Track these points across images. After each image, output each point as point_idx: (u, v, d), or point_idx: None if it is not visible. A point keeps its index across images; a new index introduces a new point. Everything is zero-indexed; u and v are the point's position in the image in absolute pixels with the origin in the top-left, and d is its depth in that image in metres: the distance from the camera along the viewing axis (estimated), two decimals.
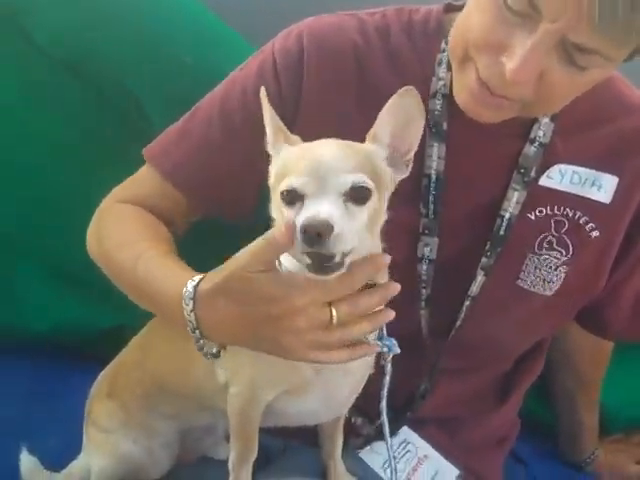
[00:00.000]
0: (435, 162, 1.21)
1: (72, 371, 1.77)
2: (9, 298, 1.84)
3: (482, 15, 1.03)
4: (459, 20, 1.11)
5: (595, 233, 1.24)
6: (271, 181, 1.03)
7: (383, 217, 1.01)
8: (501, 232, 1.22)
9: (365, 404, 1.23)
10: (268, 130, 1.04)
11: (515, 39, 1.00)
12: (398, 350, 1.08)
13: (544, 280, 1.25)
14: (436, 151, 1.21)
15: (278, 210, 0.99)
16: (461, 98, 1.13)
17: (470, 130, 1.16)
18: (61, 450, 1.45)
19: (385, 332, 1.09)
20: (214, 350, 1.08)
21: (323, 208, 0.91)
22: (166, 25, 1.66)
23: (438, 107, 1.20)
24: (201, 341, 1.06)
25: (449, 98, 1.19)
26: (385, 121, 1.01)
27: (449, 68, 1.19)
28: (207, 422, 1.29)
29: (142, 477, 1.30)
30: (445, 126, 1.20)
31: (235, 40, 1.72)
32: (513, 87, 1.02)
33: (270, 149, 1.05)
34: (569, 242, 1.24)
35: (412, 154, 1.04)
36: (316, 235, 0.88)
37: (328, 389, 1.11)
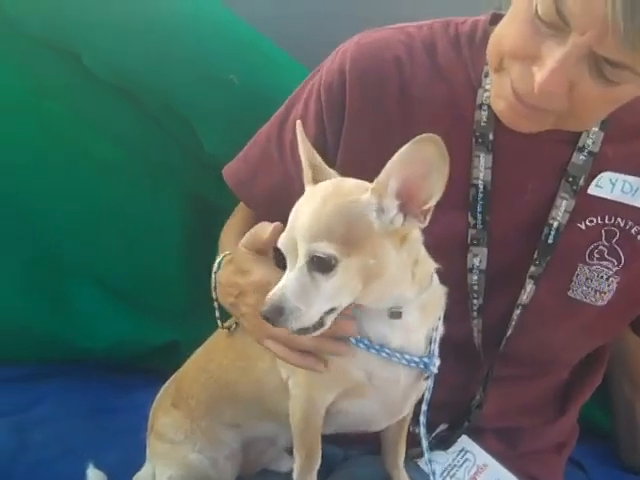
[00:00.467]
0: (482, 172, 1.22)
1: (130, 386, 1.83)
2: (68, 317, 1.89)
3: (516, 25, 1.04)
4: (496, 30, 1.12)
5: None
6: None
7: (395, 260, 0.99)
8: (549, 240, 1.22)
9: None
10: (304, 164, 1.05)
11: (546, 50, 1.01)
12: (434, 370, 1.10)
13: (596, 290, 1.24)
14: (483, 161, 1.21)
15: None
16: (497, 107, 1.14)
17: (516, 139, 1.16)
18: (122, 464, 1.46)
19: (434, 350, 1.11)
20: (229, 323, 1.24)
21: (279, 289, 0.95)
22: (212, 45, 1.70)
23: (484, 117, 1.21)
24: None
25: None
26: (394, 169, 0.95)
27: None
28: (269, 432, 1.29)
29: None
30: (491, 136, 1.21)
31: (280, 58, 1.76)
32: (542, 97, 1.03)
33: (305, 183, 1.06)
34: (620, 252, 1.23)
35: (432, 203, 0.97)
36: (270, 319, 0.95)
37: (382, 393, 1.12)
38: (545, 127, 1.12)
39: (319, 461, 1.17)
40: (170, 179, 1.81)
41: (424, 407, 1.15)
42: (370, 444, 1.29)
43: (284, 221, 1.03)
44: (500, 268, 1.23)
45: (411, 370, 1.11)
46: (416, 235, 1.03)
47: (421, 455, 1.29)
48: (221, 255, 1.27)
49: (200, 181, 1.81)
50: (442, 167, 0.93)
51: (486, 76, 1.22)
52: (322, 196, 0.97)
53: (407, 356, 1.08)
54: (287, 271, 0.97)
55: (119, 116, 1.77)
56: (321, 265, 0.93)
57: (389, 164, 0.95)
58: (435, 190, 0.95)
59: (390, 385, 1.11)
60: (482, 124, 1.21)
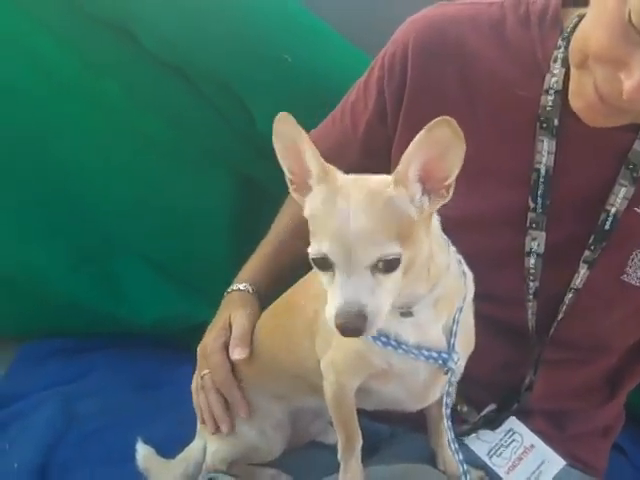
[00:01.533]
0: (545, 157, 1.22)
1: (175, 362, 1.85)
2: (115, 294, 1.94)
3: (605, 28, 1.04)
4: (582, 26, 1.12)
5: None
6: (306, 215, 1.00)
7: (426, 249, 0.99)
8: (606, 227, 1.22)
9: (471, 392, 1.26)
10: (313, 168, 0.98)
11: (635, 57, 1.01)
12: (453, 366, 1.10)
13: None
14: (546, 146, 1.22)
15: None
16: (576, 103, 1.14)
17: (580, 125, 1.17)
18: (168, 439, 1.51)
19: (454, 344, 1.11)
20: None
21: (357, 295, 0.91)
22: (265, 24, 1.72)
23: (550, 103, 1.22)
24: None
25: (561, 94, 1.20)
26: (413, 157, 0.94)
27: (563, 65, 1.20)
28: (315, 405, 1.31)
29: (255, 458, 1.34)
30: (556, 122, 1.21)
31: (332, 37, 1.76)
32: (629, 103, 1.03)
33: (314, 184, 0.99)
34: None
35: (452, 179, 0.98)
36: (353, 329, 0.91)
37: (403, 380, 1.14)
38: (622, 123, 1.14)
39: (360, 440, 1.19)
40: (220, 159, 1.83)
41: (446, 388, 1.16)
42: (416, 421, 1.30)
43: None
44: (555, 252, 1.23)
45: (429, 363, 1.11)
46: (435, 224, 1.03)
47: (467, 434, 1.32)
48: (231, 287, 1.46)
49: (250, 162, 1.82)
50: (458, 145, 0.94)
51: (554, 61, 1.22)
52: (362, 197, 0.93)
53: (425, 352, 1.08)
54: (339, 278, 0.92)
55: (172, 95, 1.78)
56: (386, 266, 0.92)
57: (406, 153, 0.95)
58: (454, 167, 0.95)
59: (409, 375, 1.13)
60: (548, 109, 1.22)
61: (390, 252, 0.91)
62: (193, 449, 1.40)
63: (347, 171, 1.46)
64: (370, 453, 1.37)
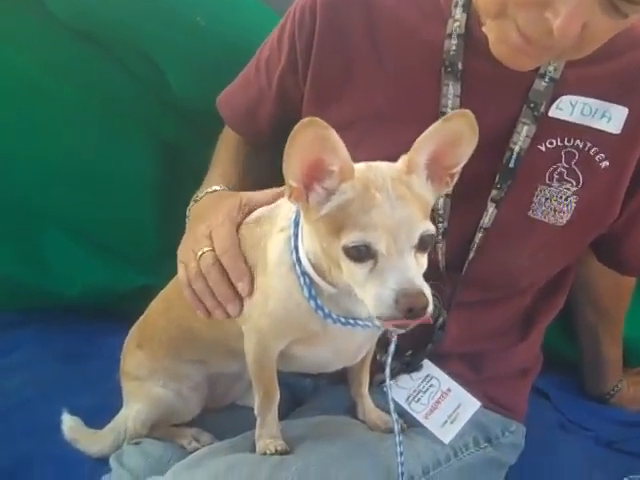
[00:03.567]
0: (450, 100, 1.24)
1: (103, 332, 1.83)
2: (39, 265, 1.89)
3: None
4: None
5: (605, 163, 1.25)
6: (315, 216, 1.00)
7: None
8: (510, 165, 1.24)
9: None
10: (335, 167, 0.98)
11: None
12: (402, 331, 1.09)
13: (555, 210, 1.26)
14: (452, 90, 1.24)
15: (330, 252, 0.99)
16: (500, 50, 1.15)
17: (483, 66, 1.19)
18: (97, 408, 1.51)
19: None
20: None
21: (415, 275, 0.94)
22: None
23: (453, 47, 1.24)
24: None
25: (464, 37, 1.23)
26: (425, 145, 0.99)
27: (464, 10, 1.23)
28: (234, 369, 1.32)
29: (175, 419, 1.35)
30: (460, 65, 1.23)
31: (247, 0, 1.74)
32: (559, 40, 1.04)
33: (332, 185, 0.99)
34: (579, 173, 1.25)
35: (458, 169, 1.03)
36: (422, 308, 0.92)
37: (337, 342, 1.15)
38: (547, 61, 1.16)
39: (277, 397, 1.21)
40: (139, 124, 1.80)
41: (392, 348, 1.18)
42: (339, 374, 1.30)
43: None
44: (463, 192, 1.24)
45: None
46: None
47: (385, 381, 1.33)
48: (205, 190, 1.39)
49: (170, 127, 1.81)
50: (471, 138, 1.00)
51: (455, 6, 1.24)
52: (391, 185, 0.96)
53: (377, 322, 1.08)
54: (387, 263, 0.94)
55: (85, 61, 1.74)
56: (426, 244, 0.97)
57: (420, 139, 0.98)
58: (462, 158, 1.01)
59: (345, 337, 1.14)
60: (451, 53, 1.24)
61: (428, 228, 0.96)
62: (122, 418, 1.40)
63: (264, 124, 1.48)
64: (293, 406, 1.39)
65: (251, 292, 1.14)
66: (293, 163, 0.96)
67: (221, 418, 1.39)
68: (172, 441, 1.33)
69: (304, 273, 1.07)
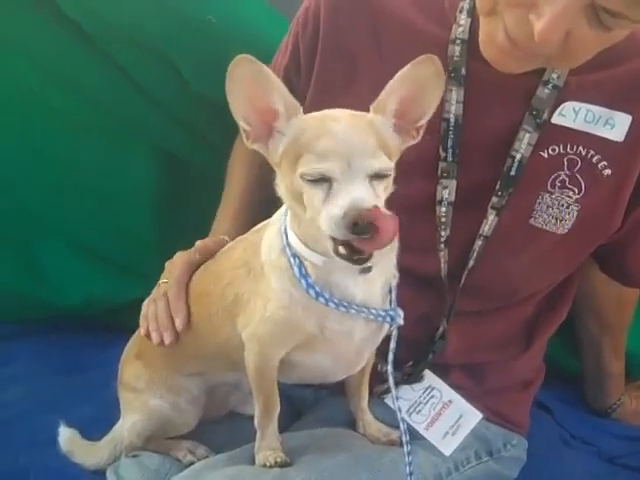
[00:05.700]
0: (454, 106, 1.24)
1: (101, 343, 1.82)
2: (38, 275, 1.89)
3: None
4: None
5: (607, 171, 1.24)
6: (277, 158, 1.03)
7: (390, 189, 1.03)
8: (512, 172, 1.24)
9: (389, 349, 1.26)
10: (280, 106, 1.01)
11: None
12: (401, 322, 1.13)
13: (556, 218, 1.26)
14: (455, 95, 1.24)
15: (293, 189, 1.01)
16: (488, 51, 1.16)
17: (486, 72, 1.19)
18: (95, 419, 1.50)
19: (394, 302, 1.13)
20: None
21: (365, 195, 0.94)
22: None
23: (457, 52, 1.24)
24: None
25: (468, 43, 1.23)
26: (394, 90, 1.01)
27: (469, 15, 1.23)
28: (234, 379, 1.31)
29: (171, 431, 1.33)
30: (464, 71, 1.23)
31: (257, 3, 1.74)
32: (540, 45, 1.04)
33: (281, 125, 1.02)
34: (582, 180, 1.24)
35: (424, 121, 1.05)
36: (368, 224, 0.92)
37: (335, 346, 1.15)
38: (534, 67, 1.16)
39: (278, 407, 1.20)
40: (139, 134, 1.80)
41: (392, 345, 1.17)
42: (340, 385, 1.30)
43: None
44: (465, 199, 1.25)
45: (368, 323, 1.13)
46: None
47: (387, 392, 1.32)
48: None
49: (172, 138, 1.80)
50: (437, 84, 1.02)
51: (460, 12, 1.25)
52: (350, 118, 0.99)
53: (373, 310, 1.10)
54: (341, 186, 0.95)
55: (87, 72, 1.74)
56: (382, 175, 0.98)
57: (388, 85, 1.01)
58: (430, 107, 1.03)
59: (343, 338, 1.13)
60: (455, 59, 1.24)
61: (387, 165, 0.98)
62: (119, 429, 1.39)
63: None
64: (294, 418, 1.38)
65: (184, 327, 1.25)
66: (237, 102, 1.00)
67: (219, 430, 1.38)
68: (167, 454, 1.31)
69: (294, 255, 1.08)
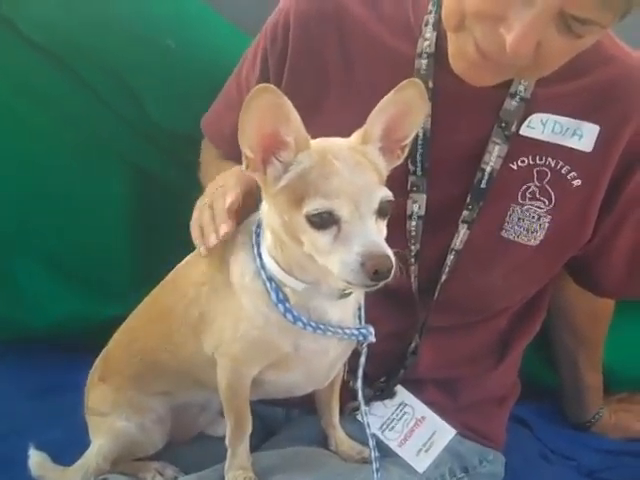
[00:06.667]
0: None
1: (75, 365, 1.75)
2: (10, 295, 1.86)
3: None
4: None
5: (577, 182, 1.24)
6: (273, 190, 1.01)
7: None
8: (482, 185, 1.23)
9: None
10: (290, 138, 0.99)
11: (513, 11, 1.02)
12: (373, 339, 1.13)
13: (528, 230, 1.25)
14: None
15: (291, 225, 0.99)
16: (459, 65, 1.16)
17: (454, 85, 1.18)
18: (66, 443, 1.45)
19: (364, 320, 1.14)
20: None
21: (379, 239, 0.95)
22: (151, 9, 1.68)
23: (424, 66, 1.24)
24: None
25: (435, 57, 1.23)
26: (379, 117, 1.01)
27: (435, 28, 1.23)
28: (201, 399, 1.30)
29: (138, 452, 1.31)
30: (431, 84, 1.23)
31: (215, 20, 1.73)
32: (512, 57, 1.05)
33: (287, 157, 1.00)
34: (551, 192, 1.24)
35: (408, 141, 1.05)
36: (386, 271, 0.93)
37: (307, 364, 1.14)
38: (506, 78, 1.17)
39: (250, 427, 1.18)
40: (110, 150, 1.78)
41: (362, 360, 1.17)
42: (311, 403, 1.29)
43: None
44: (435, 213, 1.24)
45: (341, 341, 1.13)
46: None
47: (359, 408, 1.30)
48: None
49: (141, 151, 1.79)
50: (422, 106, 1.03)
51: (426, 25, 1.24)
52: (350, 154, 0.99)
53: (347, 330, 1.10)
54: (351, 227, 0.95)
55: (59, 88, 1.73)
56: (385, 209, 0.98)
57: (373, 113, 1.01)
58: (413, 127, 1.04)
59: (317, 356, 1.13)
60: (422, 72, 1.24)
61: (387, 194, 0.98)
62: (89, 454, 1.35)
63: None
64: (264, 437, 1.36)
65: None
66: (248, 130, 0.98)
67: (188, 450, 1.35)
68: (136, 476, 1.29)
69: (270, 278, 1.07)
